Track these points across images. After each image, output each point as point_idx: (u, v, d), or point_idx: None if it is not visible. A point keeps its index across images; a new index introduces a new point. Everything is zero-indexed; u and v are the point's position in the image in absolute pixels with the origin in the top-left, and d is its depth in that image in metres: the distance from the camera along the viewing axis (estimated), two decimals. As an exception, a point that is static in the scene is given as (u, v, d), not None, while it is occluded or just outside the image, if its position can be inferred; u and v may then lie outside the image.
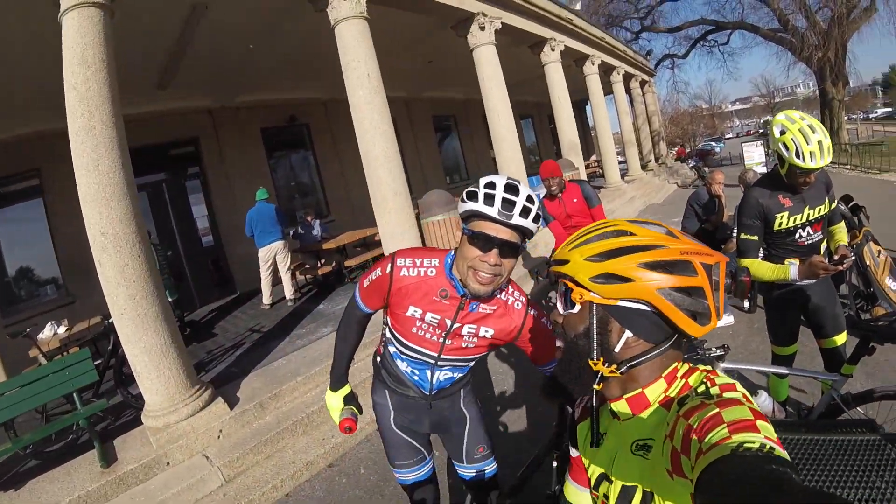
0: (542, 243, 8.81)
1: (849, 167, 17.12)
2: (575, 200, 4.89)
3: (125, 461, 3.64)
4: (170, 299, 6.92)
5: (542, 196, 5.11)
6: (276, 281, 7.84)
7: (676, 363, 0.94)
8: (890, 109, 60.99)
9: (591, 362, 0.93)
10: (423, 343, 1.77)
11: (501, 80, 8.91)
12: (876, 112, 59.91)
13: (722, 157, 28.52)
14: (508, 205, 1.44)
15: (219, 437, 3.89)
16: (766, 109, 68.24)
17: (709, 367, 0.93)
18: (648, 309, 0.89)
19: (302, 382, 4.47)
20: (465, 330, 1.73)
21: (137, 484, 3.54)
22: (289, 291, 7.81)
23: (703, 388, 0.86)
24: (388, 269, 1.70)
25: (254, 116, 10.34)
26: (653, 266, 0.88)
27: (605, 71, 16.89)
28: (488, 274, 1.52)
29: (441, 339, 1.75)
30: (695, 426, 0.73)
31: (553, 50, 11.41)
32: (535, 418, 4.04)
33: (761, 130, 26.48)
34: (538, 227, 1.53)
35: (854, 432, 1.83)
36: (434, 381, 1.90)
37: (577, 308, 0.95)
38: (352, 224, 10.34)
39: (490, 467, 2.12)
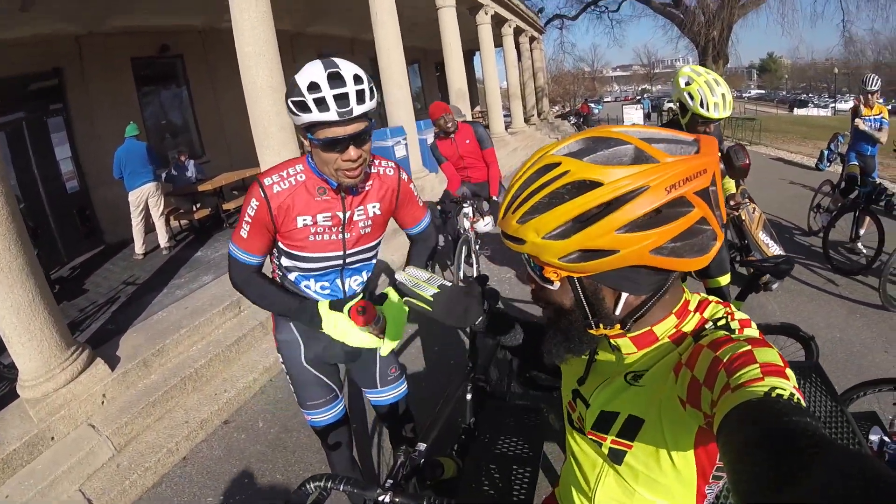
0: (429, 188, 8.84)
1: (724, 138, 18.81)
2: (468, 142, 4.91)
3: (6, 441, 3.17)
4: None
5: (433, 138, 5.09)
6: (149, 228, 7.19)
7: (685, 293, 0.88)
8: (762, 91, 68.09)
9: (590, 332, 0.85)
10: (326, 247, 1.73)
11: (395, 18, 8.69)
12: (749, 92, 66.37)
13: (600, 117, 30.21)
14: (342, 99, 1.38)
15: (103, 402, 3.53)
16: (645, 79, 72.93)
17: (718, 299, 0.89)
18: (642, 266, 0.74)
19: (186, 335, 4.18)
20: (357, 215, 1.74)
21: (23, 466, 3.13)
22: (163, 239, 7.21)
23: (723, 321, 0.82)
24: (262, 194, 1.60)
25: (124, 45, 9.13)
26: (639, 225, 0.68)
27: (497, 23, 17.09)
28: (354, 168, 1.52)
29: (340, 235, 1.74)
30: (724, 360, 0.68)
31: (450, -5, 11.23)
32: (437, 349, 4.15)
33: (638, 97, 28.29)
34: (377, 101, 1.51)
35: None
36: (346, 288, 1.87)
37: (556, 285, 0.81)
38: (229, 165, 9.67)
39: (402, 388, 2.17)
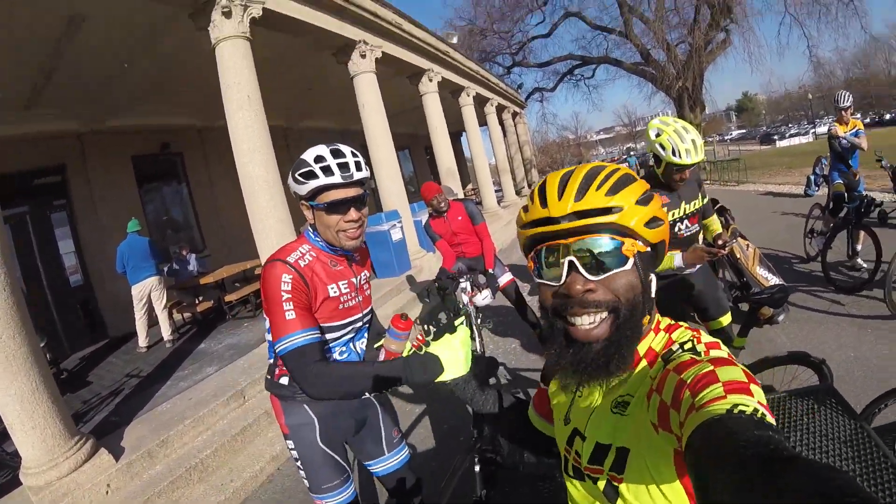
0: (427, 268, 8.96)
1: (709, 182, 19.30)
2: (460, 218, 4.98)
3: (9, 529, 3.12)
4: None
5: (426, 219, 5.18)
6: (153, 321, 7.24)
7: (657, 315, 0.93)
8: (743, 131, 70.09)
9: (645, 320, 0.89)
10: (351, 312, 1.85)
11: (381, 107, 9.05)
12: (731, 134, 68.13)
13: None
14: (344, 167, 1.62)
15: (107, 492, 3.47)
16: (629, 137, 74.97)
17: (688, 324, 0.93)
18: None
19: (190, 426, 4.12)
20: (362, 279, 1.93)
21: (26, 554, 3.04)
22: (166, 332, 7.25)
23: (689, 344, 0.84)
24: (290, 268, 1.64)
25: (125, 143, 9.53)
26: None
27: (480, 102, 17.66)
28: (356, 228, 1.71)
29: (357, 299, 1.88)
30: (688, 381, 0.71)
31: (431, 80, 11.77)
32: (447, 428, 4.06)
33: (624, 157, 29.13)
34: (369, 171, 1.72)
35: None
36: (359, 350, 1.95)
37: (630, 262, 0.85)
38: (229, 258, 9.81)
39: (405, 451, 2.19)
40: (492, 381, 4.41)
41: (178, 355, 6.52)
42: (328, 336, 1.78)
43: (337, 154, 1.63)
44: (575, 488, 1.00)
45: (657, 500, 0.82)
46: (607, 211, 0.83)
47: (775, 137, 49.64)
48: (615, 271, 0.84)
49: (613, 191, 0.83)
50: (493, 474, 2.24)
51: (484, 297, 4.85)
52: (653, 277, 0.89)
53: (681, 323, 0.93)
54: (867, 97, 54.11)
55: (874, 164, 6.58)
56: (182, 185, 11.10)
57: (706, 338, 0.86)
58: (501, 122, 22.42)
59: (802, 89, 59.50)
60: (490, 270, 5.00)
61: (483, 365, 2.01)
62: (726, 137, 61.79)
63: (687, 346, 0.84)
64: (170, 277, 8.21)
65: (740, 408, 0.61)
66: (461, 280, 4.94)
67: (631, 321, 0.85)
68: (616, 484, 0.86)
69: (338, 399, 1.76)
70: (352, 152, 1.67)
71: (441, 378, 1.32)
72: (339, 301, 1.78)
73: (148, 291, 7.07)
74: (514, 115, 24.91)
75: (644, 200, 0.85)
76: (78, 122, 8.64)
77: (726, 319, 3.08)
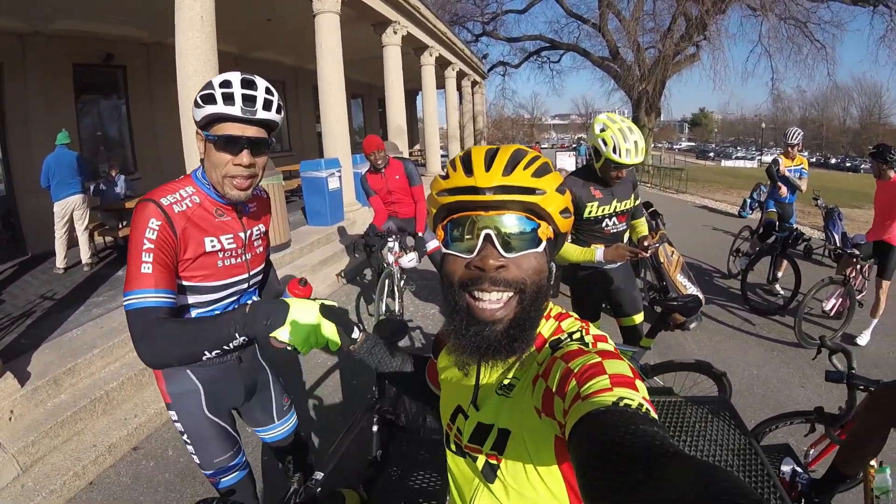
0: (360, 221, 8.90)
1: (650, 185, 19.96)
2: (397, 177, 4.98)
3: None
4: None
5: (364, 172, 5.16)
6: (73, 242, 6.87)
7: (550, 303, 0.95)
8: (693, 143, 72.34)
9: (546, 304, 0.91)
10: (232, 271, 1.61)
11: (339, 51, 8.85)
12: (680, 144, 70.17)
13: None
14: (249, 101, 1.39)
15: (10, 418, 3.31)
16: (582, 128, 76.15)
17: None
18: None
19: (99, 356, 3.97)
20: (254, 235, 1.69)
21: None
22: (85, 254, 6.89)
23: (578, 334, 0.86)
24: (161, 213, 1.40)
25: (68, 48, 8.82)
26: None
27: (441, 65, 17.46)
28: (244, 177, 1.47)
29: (243, 257, 1.64)
30: (575, 370, 0.72)
31: (395, 33, 11.55)
32: (355, 384, 4.11)
33: (574, 146, 29.60)
34: (282, 118, 1.49)
35: (656, 394, 2.16)
36: None
37: (543, 245, 0.85)
38: (159, 183, 9.31)
39: (294, 419, 2.04)
40: (405, 341, 4.45)
41: (94, 280, 6.22)
42: (206, 297, 1.57)
43: (248, 84, 1.40)
44: (455, 464, 1.02)
45: (535, 483, 0.84)
46: (532, 191, 0.82)
47: (710, 154, 51.93)
48: (528, 252, 0.83)
49: (539, 174, 0.84)
50: (391, 436, 2.28)
51: (410, 260, 4.87)
52: (553, 265, 0.91)
53: (570, 313, 0.94)
54: (818, 138, 57.12)
55: (810, 201, 6.95)
56: (122, 101, 10.46)
57: (594, 330, 0.88)
58: (460, 89, 22.36)
59: (758, 117, 61.93)
60: (420, 234, 5.02)
61: (393, 327, 2.02)
62: (675, 147, 63.75)
63: (575, 336, 0.85)
64: (95, 197, 7.77)
65: (626, 401, 0.62)
66: (389, 239, 4.93)
67: (535, 304, 0.85)
68: (494, 463, 0.88)
69: (177, 365, 1.51)
70: (267, 88, 1.43)
71: (276, 335, 1.22)
72: (219, 258, 1.55)
73: (71, 210, 6.67)
74: (474, 83, 24.83)
75: (561, 190, 0.86)
76: (22, 21, 7.95)
77: (638, 318, 3.20)
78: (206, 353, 1.32)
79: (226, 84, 1.38)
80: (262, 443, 1.98)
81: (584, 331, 0.87)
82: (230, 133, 1.40)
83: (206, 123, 1.41)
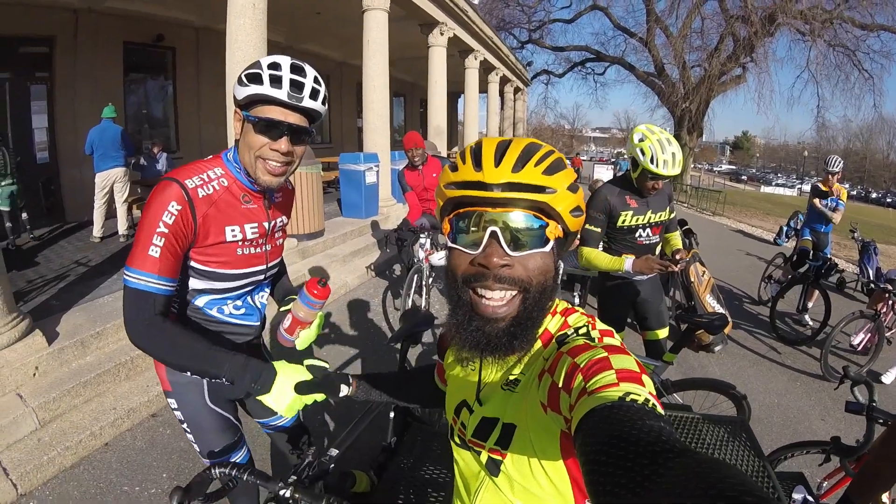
0: (394, 217, 8.97)
1: (687, 205, 19.73)
2: (434, 175, 5.01)
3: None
4: (7, 208, 6.19)
5: (401, 167, 5.18)
6: (111, 214, 7.08)
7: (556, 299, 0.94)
8: (733, 167, 71.03)
9: (552, 303, 0.90)
10: (251, 261, 1.55)
11: (386, 48, 8.94)
12: (720, 167, 68.96)
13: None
14: (297, 87, 1.33)
15: (35, 374, 3.42)
16: (622, 143, 75.57)
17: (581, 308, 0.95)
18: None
19: (128, 323, 4.06)
20: (277, 226, 1.62)
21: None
22: (122, 226, 7.10)
23: (584, 329, 0.85)
24: (185, 196, 1.33)
25: (119, 27, 9.05)
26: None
27: (485, 70, 17.48)
28: (279, 163, 1.39)
29: (263, 248, 1.58)
30: (581, 365, 0.71)
31: (442, 34, 11.61)
32: (374, 365, 4.18)
33: (613, 160, 29.43)
34: (325, 111, 1.42)
35: (674, 410, 2.15)
36: (259, 305, 1.69)
37: (550, 245, 0.84)
38: (200, 164, 9.52)
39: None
40: (426, 335, 4.46)
41: (129, 251, 6.34)
42: (220, 285, 1.51)
43: (297, 70, 1.34)
44: (460, 457, 1.03)
45: (539, 478, 0.84)
46: (541, 189, 0.80)
47: (743, 178, 51.03)
48: (534, 251, 0.82)
49: (550, 171, 0.81)
50: (407, 424, 2.30)
51: (440, 258, 4.87)
52: (561, 264, 0.89)
53: (577, 308, 0.93)
54: (860, 171, 55.66)
55: (847, 234, 6.78)
56: (168, 81, 10.74)
57: (600, 325, 0.87)
58: (502, 94, 22.34)
59: (801, 145, 60.69)
60: None
61: (418, 318, 2.02)
62: (715, 168, 62.63)
63: (582, 331, 0.85)
64: (136, 172, 7.97)
65: (632, 396, 0.62)
66: (422, 235, 4.95)
67: (539, 303, 0.84)
68: (497, 458, 0.88)
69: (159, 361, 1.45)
70: (315, 77, 1.37)
71: (262, 400, 1.26)
72: (238, 246, 1.49)
73: (112, 182, 6.89)
74: (517, 90, 24.77)
75: (573, 188, 0.84)
76: (77, -5, 8.21)
77: (663, 333, 3.16)
78: (187, 371, 1.32)
79: (274, 66, 1.32)
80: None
81: (590, 325, 0.86)
82: (272, 117, 1.33)
83: (247, 103, 1.35)
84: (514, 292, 0.82)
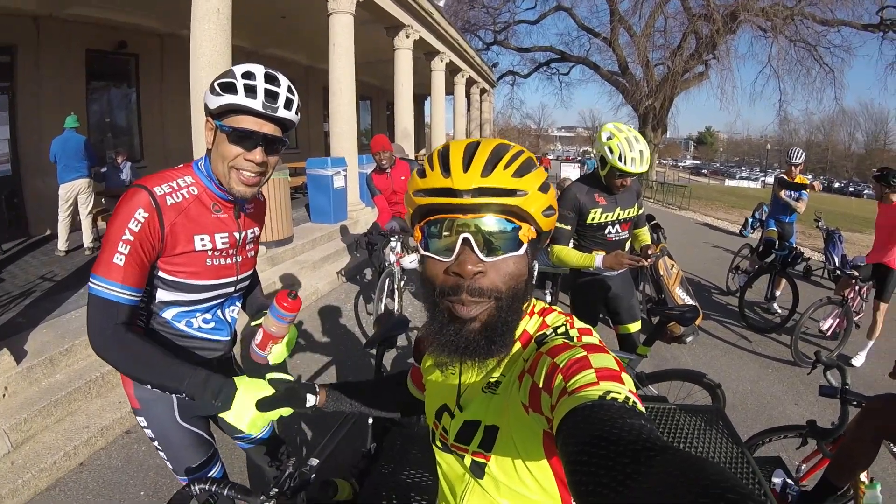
0: (363, 221, 8.97)
1: (652, 200, 20.06)
2: (403, 178, 5.02)
3: None
4: None
5: (370, 171, 5.18)
6: (76, 226, 6.91)
7: (533, 300, 0.93)
8: (697, 162, 72.47)
9: (526, 307, 0.89)
10: (220, 272, 1.51)
11: (351, 52, 8.91)
12: (685, 162, 70.18)
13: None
14: (272, 97, 1.32)
15: (4, 395, 3.32)
16: (588, 141, 76.58)
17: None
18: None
19: (97, 338, 3.96)
20: (248, 237, 1.59)
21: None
22: (87, 238, 6.93)
23: (563, 328, 0.85)
24: (152, 204, 1.31)
25: (81, 34, 8.84)
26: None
27: (452, 71, 17.57)
28: (253, 174, 1.38)
29: (234, 259, 1.55)
30: (561, 365, 0.71)
31: (408, 37, 11.63)
32: (350, 370, 4.13)
33: (579, 158, 29.74)
34: (298, 118, 1.41)
35: (650, 402, 2.18)
36: (229, 319, 1.65)
37: (524, 248, 0.82)
38: (165, 172, 9.34)
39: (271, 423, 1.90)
40: (400, 339, 4.45)
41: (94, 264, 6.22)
42: (188, 296, 1.47)
43: (271, 80, 1.33)
44: (443, 460, 1.02)
45: (524, 478, 0.84)
46: (512, 192, 0.78)
47: (703, 171, 52.01)
48: (508, 255, 0.81)
49: (520, 173, 0.80)
50: (386, 429, 2.28)
51: (412, 261, 4.87)
52: (535, 264, 0.91)
53: (554, 307, 0.93)
54: (822, 162, 57.23)
55: (811, 223, 6.97)
56: (132, 89, 10.50)
57: (579, 323, 0.87)
58: (468, 96, 22.45)
59: (763, 139, 62.15)
60: None
61: (393, 321, 2.00)
62: (679, 164, 63.77)
63: (560, 331, 0.84)
64: (100, 182, 7.78)
65: (612, 395, 0.62)
66: (392, 239, 4.94)
67: (512, 308, 0.83)
68: (481, 461, 0.88)
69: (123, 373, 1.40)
70: (289, 87, 1.37)
71: (224, 417, 1.21)
72: (208, 256, 1.46)
73: (75, 193, 6.72)
74: (483, 91, 24.93)
75: (544, 188, 0.82)
76: (37, 4, 7.96)
77: (635, 327, 3.22)
78: (148, 384, 1.29)
79: (248, 75, 1.31)
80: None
81: (568, 324, 0.86)
82: (246, 127, 1.32)
83: (220, 113, 1.33)
84: (491, 302, 0.81)
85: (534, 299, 0.93)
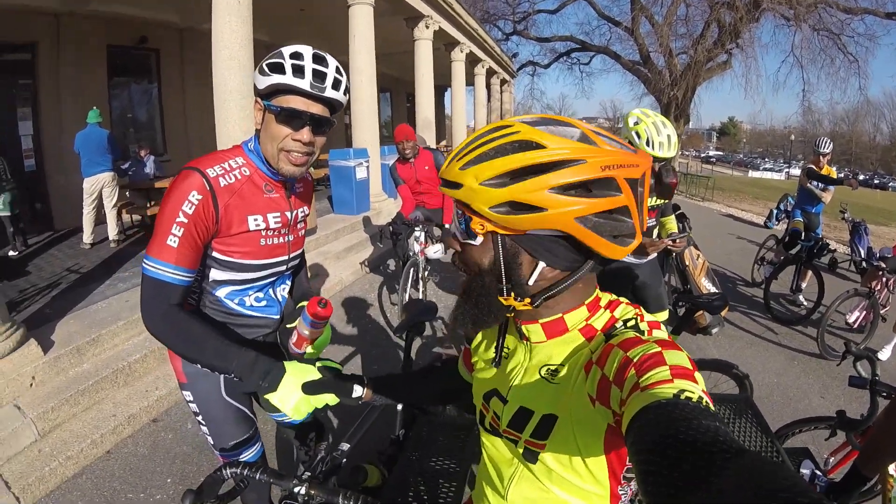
0: (385, 211, 8.98)
1: (676, 191, 19.71)
2: (426, 168, 4.97)
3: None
4: (7, 213, 6.20)
5: (393, 161, 5.16)
6: (101, 219, 7.00)
7: (597, 289, 0.90)
8: (721, 153, 71.37)
9: (500, 299, 0.84)
10: (274, 251, 1.55)
11: (372, 42, 8.91)
12: (708, 153, 69.18)
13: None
14: (319, 77, 1.33)
15: (31, 384, 3.38)
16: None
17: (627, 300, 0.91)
18: (564, 235, 0.76)
19: (123, 328, 4.04)
20: (299, 216, 1.62)
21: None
22: (112, 231, 7.03)
23: (633, 321, 0.83)
24: (206, 186, 1.33)
25: (102, 30, 8.92)
26: (568, 188, 0.72)
27: (471, 62, 17.48)
28: (301, 153, 1.39)
29: (287, 238, 1.58)
30: (634, 360, 0.69)
31: (427, 28, 11.58)
32: (376, 368, 4.10)
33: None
34: (347, 98, 1.42)
35: None
36: (280, 298, 1.68)
37: (480, 239, 0.81)
38: (189, 165, 9.44)
39: None
40: (427, 329, 4.46)
41: (121, 256, 6.33)
42: (242, 275, 1.50)
43: (319, 60, 1.34)
44: (491, 443, 1.01)
45: (577, 468, 0.82)
46: (456, 185, 0.79)
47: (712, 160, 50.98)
48: (469, 242, 0.83)
49: (470, 164, 0.77)
50: (413, 416, 2.29)
51: (436, 251, 4.85)
52: (540, 265, 0.80)
53: (621, 299, 0.91)
54: (847, 154, 55.97)
55: (836, 215, 6.85)
56: (153, 84, 10.60)
57: (648, 316, 0.85)
58: (488, 87, 22.33)
59: (787, 129, 60.98)
60: (447, 225, 5.00)
61: (421, 307, 1.99)
62: (702, 155, 62.96)
63: (630, 324, 0.82)
64: (123, 177, 7.89)
65: (687, 394, 0.60)
66: (416, 228, 4.93)
67: (479, 293, 0.84)
68: (535, 449, 0.86)
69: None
70: (337, 67, 1.37)
71: (269, 398, 1.21)
72: (262, 236, 1.49)
73: (100, 187, 6.81)
74: (503, 82, 24.79)
75: (500, 180, 0.74)
76: (57, 1, 8.03)
77: (662, 316, 3.17)
78: (198, 363, 1.31)
79: (297, 56, 1.31)
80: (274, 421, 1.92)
81: (638, 318, 0.83)
82: (294, 107, 1.33)
83: (269, 93, 1.34)
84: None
85: (598, 291, 0.90)
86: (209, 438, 1.67)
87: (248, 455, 1.71)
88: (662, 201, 3.03)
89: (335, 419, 3.38)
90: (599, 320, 0.86)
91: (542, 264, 0.80)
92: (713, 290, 4.71)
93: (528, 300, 0.83)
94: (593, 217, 0.74)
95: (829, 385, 4.06)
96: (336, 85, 1.36)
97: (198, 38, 9.55)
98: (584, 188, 0.73)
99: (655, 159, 2.69)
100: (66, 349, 3.63)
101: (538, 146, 0.73)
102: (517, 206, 0.74)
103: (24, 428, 3.09)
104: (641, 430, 0.58)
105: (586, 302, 0.87)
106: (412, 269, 4.98)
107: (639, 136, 2.66)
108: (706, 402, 0.60)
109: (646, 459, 0.54)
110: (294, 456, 2.08)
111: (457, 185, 0.78)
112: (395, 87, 22.06)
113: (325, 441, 1.49)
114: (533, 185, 0.72)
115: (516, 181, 0.73)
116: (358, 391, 1.23)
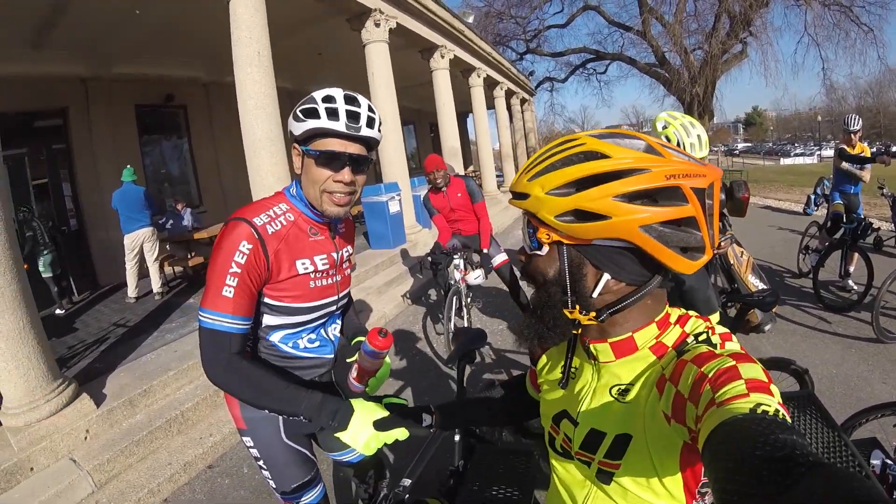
0: (422, 243, 8.99)
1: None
2: (459, 195, 4.97)
3: (-17, 468, 3.11)
4: (50, 274, 6.38)
5: (426, 192, 5.17)
6: (143, 273, 7.22)
7: (667, 306, 0.88)
8: (749, 144, 69.88)
9: (565, 311, 0.83)
10: (324, 293, 1.57)
11: (391, 78, 9.02)
12: (736, 146, 67.83)
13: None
14: (353, 117, 1.35)
15: (86, 437, 3.48)
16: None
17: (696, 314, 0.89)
18: (629, 246, 0.77)
19: (174, 378, 4.14)
20: (344, 256, 1.64)
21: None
22: (156, 284, 7.22)
23: (704, 335, 0.82)
24: (255, 235, 1.36)
25: (129, 91, 9.34)
26: (633, 197, 0.73)
27: (490, 85, 17.57)
28: (344, 193, 1.42)
29: (335, 278, 1.60)
30: (709, 375, 0.68)
31: (443, 57, 11.69)
32: (427, 399, 4.06)
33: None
34: (381, 136, 1.45)
35: None
36: (332, 337, 1.70)
37: (545, 250, 0.84)
38: (224, 215, 9.59)
39: None
40: (477, 357, 4.46)
41: (166, 308, 6.50)
42: (295, 319, 1.52)
43: (350, 101, 1.36)
44: (562, 466, 0.99)
45: (654, 487, 0.81)
46: (524, 196, 0.83)
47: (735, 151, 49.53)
48: (535, 252, 0.86)
49: (537, 175, 0.81)
50: (472, 446, 2.26)
51: (476, 277, 4.84)
52: (605, 277, 0.81)
53: (690, 313, 0.90)
54: (875, 127, 54.16)
55: (875, 191, 6.63)
56: (183, 139, 10.98)
57: (720, 329, 0.83)
58: (509, 108, 22.34)
59: (813, 111, 59.56)
60: (485, 250, 4.98)
61: (471, 335, 1.98)
62: (731, 149, 61.77)
63: (701, 338, 0.81)
64: (163, 232, 8.15)
65: (763, 408, 0.59)
66: (455, 256, 4.92)
67: (544, 305, 0.86)
68: (610, 470, 0.85)
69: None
70: (369, 106, 1.39)
71: (339, 437, 1.22)
72: (311, 278, 1.51)
73: (140, 242, 7.02)
74: (523, 101, 24.80)
75: (566, 189, 0.77)
76: (84, 66, 8.45)
77: (714, 319, 3.09)
78: (266, 409, 1.33)
79: (328, 99, 1.35)
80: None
81: (710, 331, 0.82)
82: (333, 149, 1.36)
83: (305, 138, 1.37)
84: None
85: (668, 307, 0.89)
86: (271, 482, 1.69)
87: (310, 497, 1.71)
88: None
89: (391, 454, 3.37)
90: (670, 337, 0.85)
91: (606, 276, 0.81)
92: (761, 286, 4.57)
93: (592, 314, 0.83)
94: (659, 226, 0.74)
95: (889, 370, 3.89)
96: (370, 123, 1.39)
97: (223, 91, 9.85)
98: (649, 197, 0.74)
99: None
100: (118, 402, 3.73)
101: (603, 156, 0.75)
102: (582, 215, 0.76)
103: (81, 480, 3.17)
104: (719, 446, 0.58)
105: (656, 319, 0.86)
106: (455, 298, 4.96)
107: (669, 140, 2.63)
108: (783, 414, 0.59)
109: (724, 477, 0.53)
110: (353, 493, 2.08)
111: (524, 196, 0.82)
112: (418, 118, 22.32)
113: (385, 478, 1.49)
114: (597, 193, 0.74)
115: (581, 190, 0.76)
116: (427, 419, 1.23)
